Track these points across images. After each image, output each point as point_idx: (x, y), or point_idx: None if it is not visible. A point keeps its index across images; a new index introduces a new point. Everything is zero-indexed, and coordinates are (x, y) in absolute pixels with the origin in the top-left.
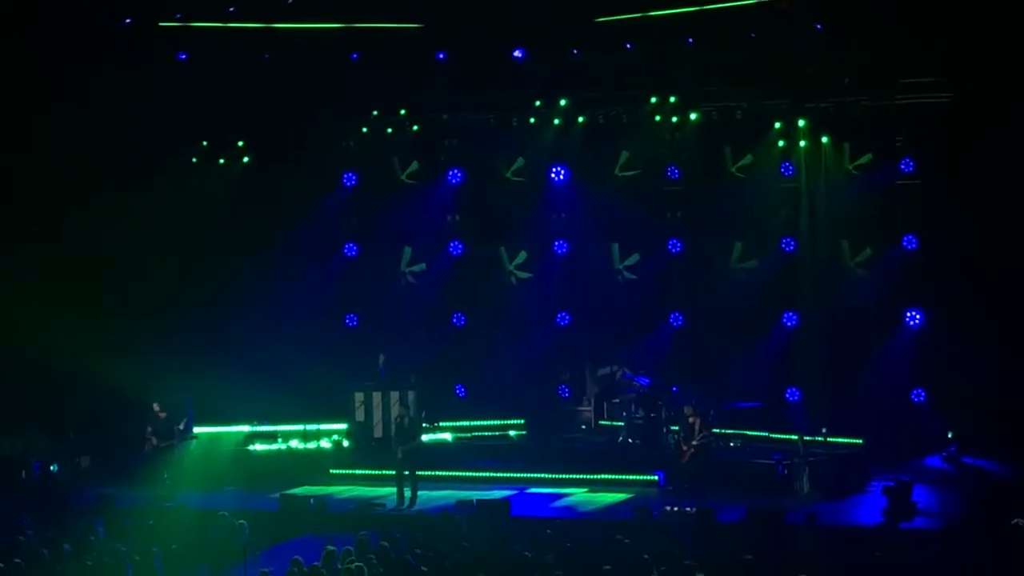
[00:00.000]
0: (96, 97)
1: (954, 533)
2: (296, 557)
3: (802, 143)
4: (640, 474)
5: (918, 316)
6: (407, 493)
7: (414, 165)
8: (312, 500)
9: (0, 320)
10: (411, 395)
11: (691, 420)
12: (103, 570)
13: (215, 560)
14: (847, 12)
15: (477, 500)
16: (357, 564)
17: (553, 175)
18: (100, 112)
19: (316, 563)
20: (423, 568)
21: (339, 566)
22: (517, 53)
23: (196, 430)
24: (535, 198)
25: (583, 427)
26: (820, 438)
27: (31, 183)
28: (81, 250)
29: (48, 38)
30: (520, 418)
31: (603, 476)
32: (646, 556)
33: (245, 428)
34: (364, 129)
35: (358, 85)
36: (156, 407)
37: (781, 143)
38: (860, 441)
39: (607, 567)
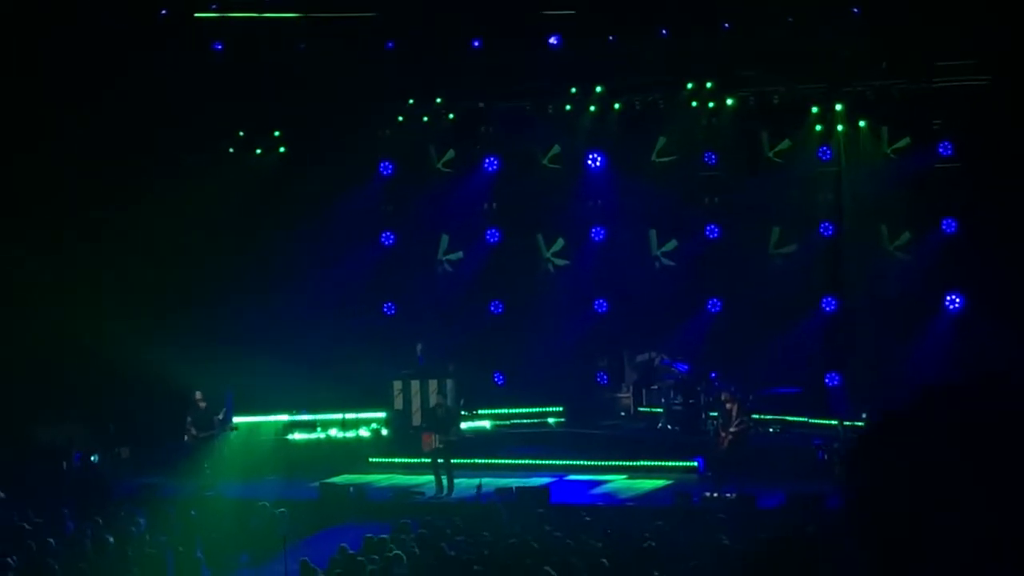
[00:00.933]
0: (132, 89)
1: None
2: (342, 544)
3: (839, 127)
4: (679, 460)
5: (958, 300)
6: (445, 481)
7: (450, 153)
8: (351, 488)
9: (40, 313)
10: (449, 383)
11: (730, 406)
12: (145, 560)
13: (256, 549)
14: None
15: (516, 487)
16: (396, 552)
17: (589, 162)
18: (137, 104)
19: (356, 551)
20: (464, 557)
21: (380, 554)
22: (552, 40)
23: (235, 420)
24: (571, 185)
25: (622, 414)
26: (860, 423)
27: (71, 177)
28: (120, 242)
29: (85, 33)
30: (559, 405)
31: (642, 463)
32: (680, 541)
33: (284, 417)
34: (400, 118)
35: (393, 74)
36: (198, 395)
37: (818, 127)
38: None
39: (649, 543)
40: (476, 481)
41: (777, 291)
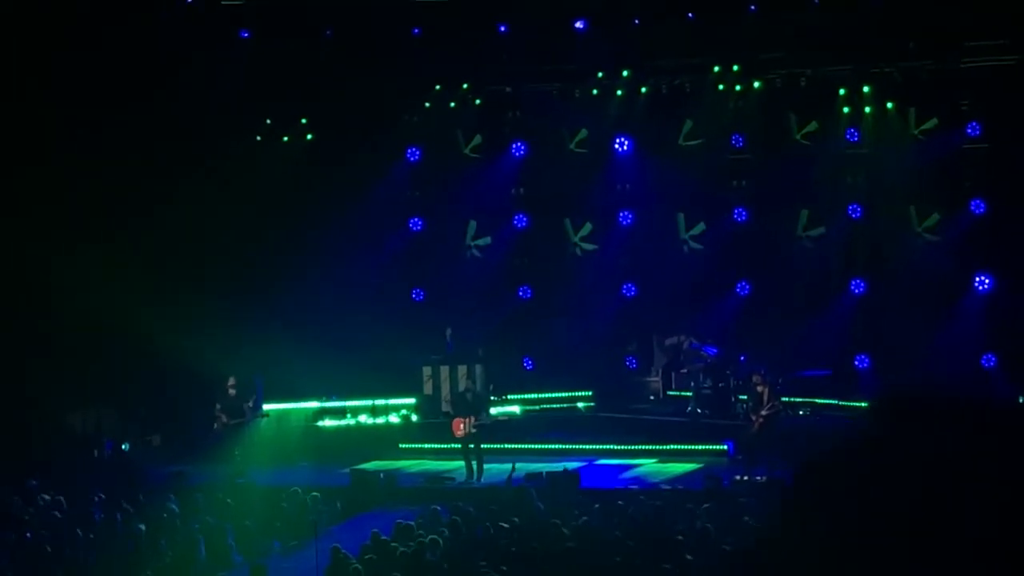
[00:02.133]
0: (163, 80)
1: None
2: (375, 530)
3: (867, 109)
4: (709, 444)
5: (987, 280)
6: (475, 466)
7: (477, 139)
8: (382, 475)
9: (71, 300)
10: (478, 369)
11: (760, 389)
12: (176, 547)
13: (287, 535)
14: None
15: (546, 472)
16: (428, 537)
17: (617, 146)
18: (162, 92)
19: (389, 536)
20: (495, 541)
21: (411, 540)
22: (579, 24)
23: (265, 407)
24: (599, 169)
25: (651, 398)
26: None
27: (101, 168)
28: (149, 230)
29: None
30: (588, 390)
31: (672, 446)
32: (708, 525)
33: (314, 404)
34: (427, 104)
35: (420, 59)
36: (231, 382)
37: (846, 109)
38: None
39: (679, 537)
40: (507, 466)
41: (806, 273)
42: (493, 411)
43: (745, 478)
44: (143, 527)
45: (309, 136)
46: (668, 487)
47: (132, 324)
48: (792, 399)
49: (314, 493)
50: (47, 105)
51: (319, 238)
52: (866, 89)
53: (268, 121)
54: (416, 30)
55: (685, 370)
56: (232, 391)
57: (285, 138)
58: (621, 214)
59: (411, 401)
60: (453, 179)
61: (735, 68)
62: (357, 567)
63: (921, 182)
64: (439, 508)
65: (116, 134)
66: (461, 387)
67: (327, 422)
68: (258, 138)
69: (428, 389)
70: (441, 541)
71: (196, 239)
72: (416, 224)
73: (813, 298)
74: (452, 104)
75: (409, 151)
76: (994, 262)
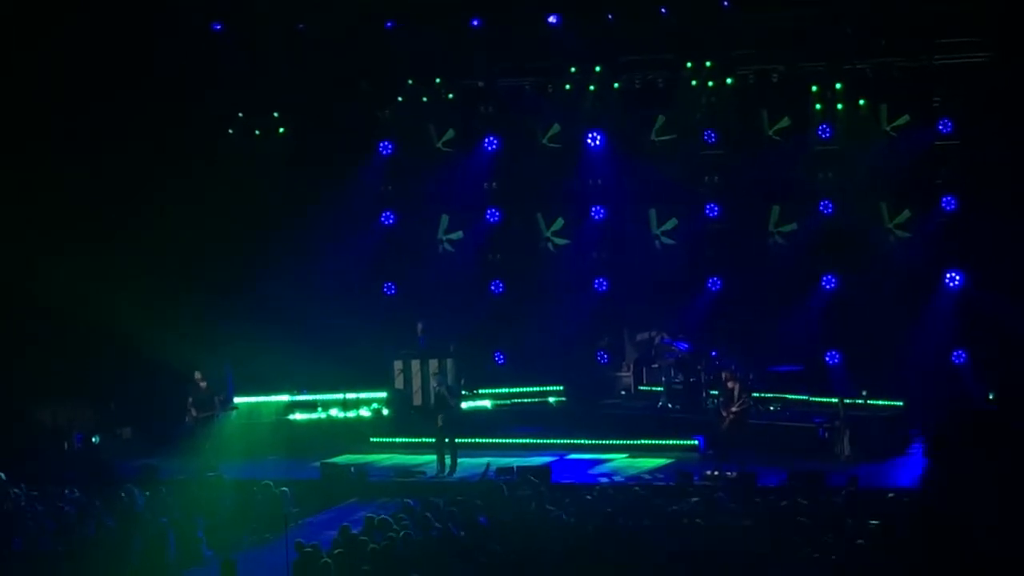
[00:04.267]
0: (130, 70)
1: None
2: (345, 524)
3: (839, 105)
4: (680, 439)
5: (958, 277)
6: (447, 460)
7: (450, 133)
8: (353, 468)
9: (42, 294)
10: (450, 363)
11: (730, 385)
12: (146, 541)
13: (258, 529)
14: None
15: (517, 466)
16: (400, 532)
17: (589, 141)
18: (134, 85)
19: (359, 530)
20: (465, 536)
21: (382, 534)
22: (552, 19)
23: (236, 400)
24: (571, 164)
25: (622, 393)
26: (860, 400)
27: (71, 160)
28: (121, 225)
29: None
30: (559, 384)
31: (643, 441)
32: (686, 521)
33: (285, 397)
34: (400, 98)
35: (393, 53)
36: (197, 375)
37: (818, 106)
38: (901, 403)
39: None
40: (480, 461)
41: (777, 269)
42: (464, 405)
43: (716, 473)
44: (112, 519)
45: (281, 130)
46: (639, 482)
47: (104, 317)
48: (763, 395)
49: (284, 488)
50: (19, 96)
51: (291, 231)
52: (838, 86)
53: (240, 115)
54: (389, 24)
55: (656, 365)
56: (202, 384)
57: (257, 132)
58: (593, 209)
59: (382, 395)
60: (425, 173)
61: (708, 64)
62: (327, 561)
63: (893, 179)
64: (410, 502)
65: (86, 128)
66: (432, 382)
67: (298, 416)
68: (230, 131)
69: (399, 383)
70: (407, 537)
71: (168, 233)
72: (388, 218)
73: (784, 294)
74: (425, 98)
75: (381, 145)
76: (965, 259)
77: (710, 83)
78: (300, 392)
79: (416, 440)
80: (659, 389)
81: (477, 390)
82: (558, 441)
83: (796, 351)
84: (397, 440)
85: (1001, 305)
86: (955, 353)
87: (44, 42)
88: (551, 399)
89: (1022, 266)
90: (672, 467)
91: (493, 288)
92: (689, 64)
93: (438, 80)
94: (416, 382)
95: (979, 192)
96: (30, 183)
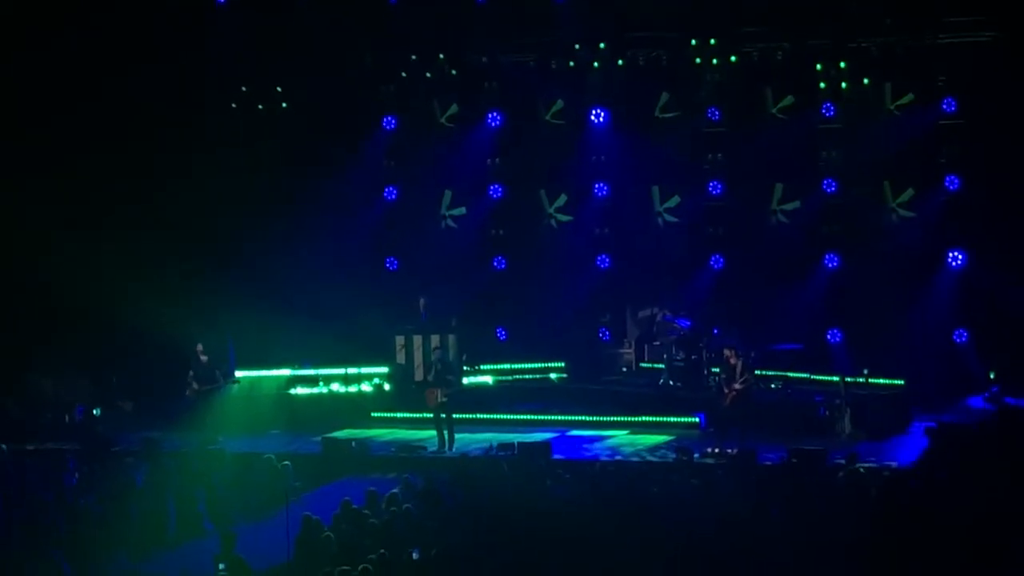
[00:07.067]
0: (132, 44)
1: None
2: (346, 498)
3: (843, 84)
4: (681, 416)
5: (960, 256)
6: (447, 436)
7: (453, 108)
8: (354, 443)
9: (43, 266)
10: (451, 338)
11: (732, 362)
12: (146, 514)
13: (258, 502)
14: None
15: (518, 443)
16: (406, 506)
17: (593, 118)
18: (137, 59)
19: (360, 505)
20: (466, 511)
21: (383, 509)
22: None
23: (238, 374)
24: (575, 141)
25: (624, 370)
26: (862, 379)
27: (74, 138)
28: (123, 200)
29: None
30: (561, 361)
31: (644, 418)
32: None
33: (286, 372)
34: (403, 73)
35: (397, 29)
36: (199, 349)
37: (822, 84)
38: (902, 382)
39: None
40: (479, 436)
41: (780, 248)
42: (465, 381)
43: (716, 450)
44: (113, 493)
45: (284, 104)
46: (640, 458)
47: (105, 291)
48: (764, 372)
49: (285, 463)
50: (21, 78)
51: (293, 206)
52: (842, 64)
53: (243, 89)
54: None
55: (658, 342)
56: (203, 357)
57: (260, 106)
58: (596, 186)
59: (384, 370)
60: (429, 149)
61: (712, 42)
62: (329, 535)
63: (896, 157)
64: (411, 477)
65: (90, 105)
66: (433, 357)
67: (299, 390)
68: (233, 106)
69: (401, 358)
70: (408, 512)
71: (170, 208)
72: (391, 193)
73: (786, 272)
74: (428, 74)
75: (385, 120)
76: (967, 238)
77: (714, 61)
78: (302, 366)
79: (417, 415)
80: (660, 366)
81: (479, 366)
82: (559, 418)
83: (798, 329)
84: (398, 415)
85: (1003, 285)
86: (956, 332)
87: (46, 19)
88: (552, 375)
89: None
90: (673, 444)
91: (495, 264)
92: (694, 42)
93: (441, 56)
94: (417, 357)
95: (982, 172)
96: (33, 159)
